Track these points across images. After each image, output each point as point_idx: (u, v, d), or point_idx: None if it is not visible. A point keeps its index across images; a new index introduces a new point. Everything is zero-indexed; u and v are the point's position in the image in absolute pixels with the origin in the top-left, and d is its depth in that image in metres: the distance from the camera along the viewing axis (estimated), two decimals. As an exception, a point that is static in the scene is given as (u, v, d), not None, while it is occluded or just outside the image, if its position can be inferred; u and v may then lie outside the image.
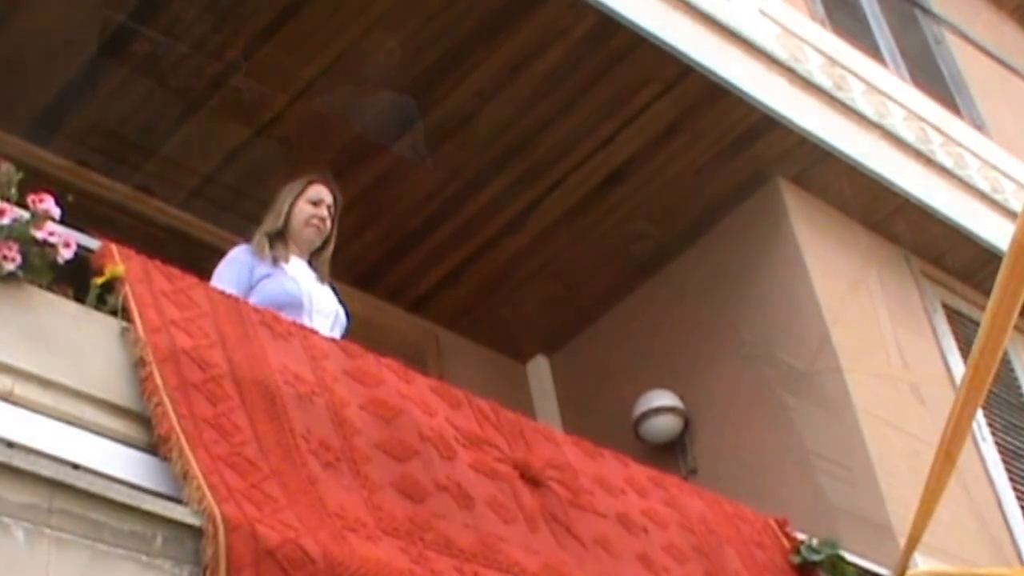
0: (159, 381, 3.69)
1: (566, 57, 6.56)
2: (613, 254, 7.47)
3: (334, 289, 5.25)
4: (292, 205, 5.20)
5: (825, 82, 7.66)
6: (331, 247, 5.28)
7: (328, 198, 5.27)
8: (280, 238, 5.13)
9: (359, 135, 6.67)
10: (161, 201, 6.64)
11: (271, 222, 5.17)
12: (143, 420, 3.63)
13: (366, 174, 6.79)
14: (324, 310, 5.04)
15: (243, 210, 6.63)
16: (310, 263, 5.21)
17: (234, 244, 5.23)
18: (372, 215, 6.94)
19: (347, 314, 5.23)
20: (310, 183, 5.29)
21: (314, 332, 4.45)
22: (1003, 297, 5.14)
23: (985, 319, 5.26)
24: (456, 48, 6.43)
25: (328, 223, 5.24)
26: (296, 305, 4.88)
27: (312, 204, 5.22)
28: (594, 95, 6.75)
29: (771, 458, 6.74)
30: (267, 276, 4.98)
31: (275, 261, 5.05)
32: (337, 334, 5.01)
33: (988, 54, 9.35)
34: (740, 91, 6.92)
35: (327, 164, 6.60)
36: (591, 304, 7.70)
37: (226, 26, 6.13)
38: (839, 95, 7.68)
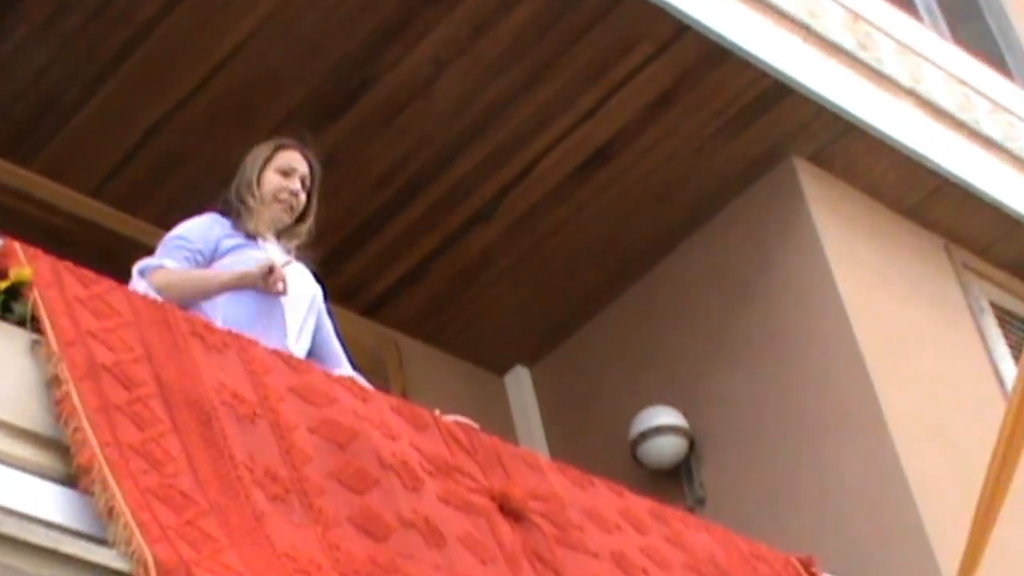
0: (77, 402, 3.77)
1: (538, 14, 6.62)
2: (600, 247, 7.58)
3: (311, 268, 5.27)
4: (259, 174, 5.17)
5: (847, 41, 7.73)
6: (309, 222, 5.27)
7: (302, 167, 5.24)
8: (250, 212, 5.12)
9: (297, 107, 6.72)
10: (68, 187, 6.71)
11: (247, 195, 5.13)
12: (60, 448, 3.68)
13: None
14: (298, 293, 5.09)
15: (163, 198, 6.76)
16: (279, 239, 5.21)
17: (154, 236, 5.29)
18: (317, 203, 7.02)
19: (325, 293, 5.29)
20: (280, 148, 5.25)
21: (253, 343, 4.52)
22: None
23: None
24: (407, 4, 6.49)
25: (302, 198, 5.22)
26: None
27: (282, 174, 5.20)
28: (572, 59, 6.82)
29: (791, 485, 6.84)
30: (237, 248, 5.02)
31: (250, 236, 5.07)
32: (312, 322, 5.11)
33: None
34: (746, 53, 6.99)
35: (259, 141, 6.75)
36: (577, 306, 7.78)
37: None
38: (864, 56, 7.76)
